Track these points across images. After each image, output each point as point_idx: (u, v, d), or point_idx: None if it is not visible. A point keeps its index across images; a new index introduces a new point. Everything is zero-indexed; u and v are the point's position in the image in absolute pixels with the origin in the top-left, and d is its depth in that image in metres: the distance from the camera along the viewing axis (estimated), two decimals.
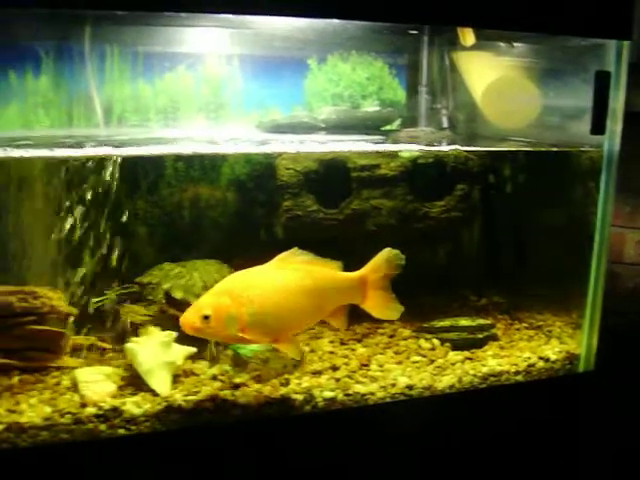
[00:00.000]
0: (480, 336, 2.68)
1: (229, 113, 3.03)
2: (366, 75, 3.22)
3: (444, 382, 2.40)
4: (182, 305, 2.34)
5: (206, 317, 2.02)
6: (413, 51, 3.22)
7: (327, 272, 2.23)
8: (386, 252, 2.27)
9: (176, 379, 2.28)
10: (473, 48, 2.74)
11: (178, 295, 2.48)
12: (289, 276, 2.16)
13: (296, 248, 2.18)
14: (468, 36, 2.71)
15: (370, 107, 3.11)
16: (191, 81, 2.95)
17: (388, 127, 3.10)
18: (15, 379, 2.30)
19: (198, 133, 2.92)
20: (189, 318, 2.03)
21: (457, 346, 2.65)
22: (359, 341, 2.69)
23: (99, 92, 2.82)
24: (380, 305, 2.29)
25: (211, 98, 3.01)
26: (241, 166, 2.87)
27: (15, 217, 2.60)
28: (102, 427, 2.07)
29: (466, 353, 2.61)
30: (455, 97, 3.21)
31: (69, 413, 2.07)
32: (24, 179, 2.60)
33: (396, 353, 2.60)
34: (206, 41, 2.91)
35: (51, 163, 2.60)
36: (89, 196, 2.60)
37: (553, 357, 2.58)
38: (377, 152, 2.73)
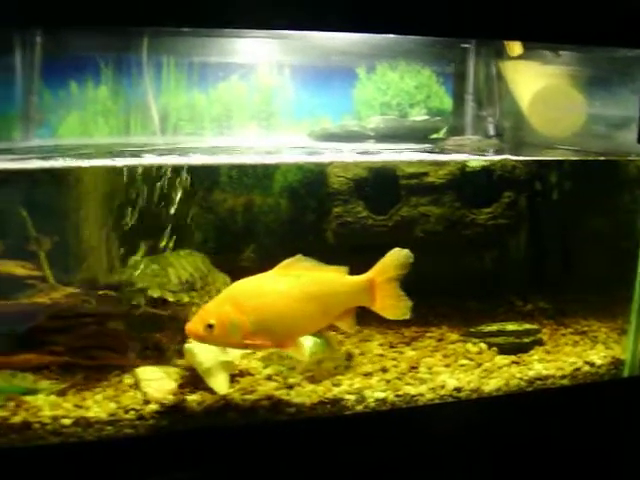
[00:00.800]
0: (526, 340, 2.73)
1: (280, 121, 3.12)
2: (414, 84, 3.28)
3: (491, 385, 2.45)
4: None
5: (210, 326, 2.07)
6: (460, 60, 3.27)
7: (332, 277, 2.26)
8: (393, 253, 2.28)
9: (233, 378, 2.36)
10: (520, 57, 2.79)
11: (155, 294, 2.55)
12: (292, 283, 2.19)
13: (300, 255, 2.21)
14: (515, 46, 2.76)
15: (418, 116, 3.17)
16: (244, 90, 3.03)
17: (435, 135, 3.16)
18: (79, 377, 2.40)
19: (251, 141, 3.00)
20: (193, 327, 2.08)
21: (504, 350, 2.70)
22: (408, 344, 2.76)
23: (156, 101, 2.91)
24: (390, 306, 2.29)
25: (263, 107, 3.08)
26: (293, 174, 2.94)
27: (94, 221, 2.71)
28: (164, 423, 2.15)
29: (513, 357, 2.66)
30: (501, 105, 3.26)
31: (133, 409, 2.16)
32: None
33: (444, 356, 2.66)
34: (258, 51, 2.99)
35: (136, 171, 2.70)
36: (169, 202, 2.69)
37: (598, 362, 2.63)
38: (435, 161, 2.79)
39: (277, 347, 2.24)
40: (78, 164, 2.38)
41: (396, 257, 2.28)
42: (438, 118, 3.15)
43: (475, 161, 2.86)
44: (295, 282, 2.20)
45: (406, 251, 2.27)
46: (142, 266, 2.62)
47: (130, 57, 2.89)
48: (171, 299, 2.53)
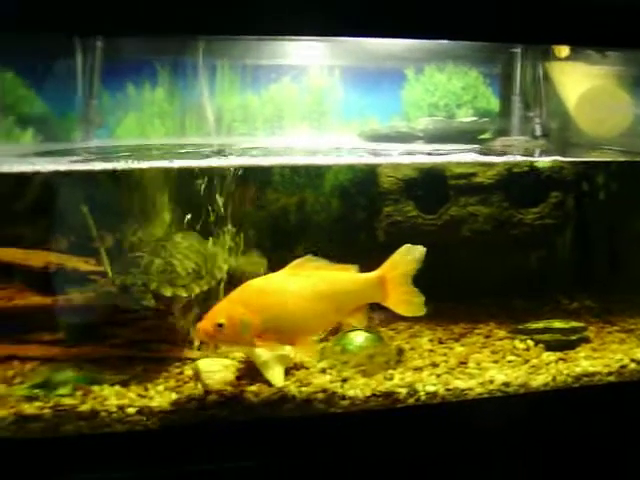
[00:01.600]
0: (573, 338, 2.78)
1: (330, 122, 3.19)
2: (461, 85, 3.33)
3: (539, 381, 2.51)
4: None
5: (220, 325, 2.13)
6: (507, 61, 3.31)
7: (342, 275, 2.29)
8: (404, 249, 2.31)
9: (288, 371, 2.44)
10: (566, 58, 2.83)
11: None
12: (302, 282, 2.23)
13: (310, 255, 2.26)
14: (562, 47, 2.81)
15: (466, 117, 3.22)
16: (295, 91, 3.11)
17: (483, 136, 3.21)
18: (139, 368, 2.50)
19: (302, 141, 3.09)
20: (204, 326, 2.14)
21: (551, 347, 2.75)
22: (456, 340, 2.83)
23: (210, 103, 3.00)
24: (403, 301, 2.32)
25: (314, 107, 3.16)
26: (344, 173, 3.02)
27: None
28: (224, 413, 2.24)
29: (559, 354, 2.71)
30: (548, 106, 3.30)
31: (194, 399, 2.26)
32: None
33: (492, 352, 2.72)
34: (309, 54, 3.07)
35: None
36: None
37: None
38: (484, 162, 2.85)
39: (288, 345, 2.31)
40: (157, 165, 2.49)
41: (407, 253, 2.30)
42: (485, 119, 3.19)
43: (523, 162, 2.91)
44: (305, 281, 2.24)
45: (418, 247, 2.30)
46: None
47: (186, 60, 2.97)
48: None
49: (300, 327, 2.24)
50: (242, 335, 2.15)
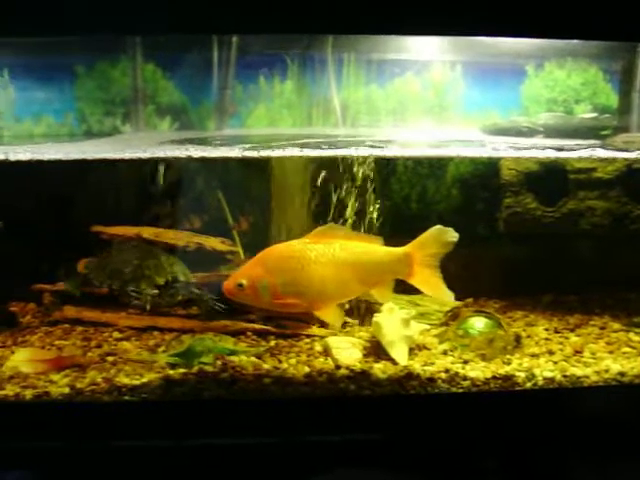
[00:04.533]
0: None
1: (451, 115, 3.30)
2: (580, 81, 3.37)
3: None
4: None
5: (240, 285, 2.25)
6: (628, 58, 3.34)
7: (365, 246, 2.32)
8: (436, 229, 2.32)
9: (411, 351, 2.59)
10: None
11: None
12: (322, 249, 2.28)
13: (333, 223, 2.39)
14: None
15: (586, 114, 3.28)
16: (418, 86, 3.23)
17: (603, 132, 3.26)
18: (272, 343, 2.69)
19: (424, 134, 3.21)
20: (227, 285, 2.27)
21: None
22: (572, 330, 2.91)
23: (337, 95, 3.16)
24: (428, 283, 2.32)
25: (436, 101, 3.27)
26: (465, 165, 3.14)
27: None
28: (352, 387, 2.40)
29: None
30: None
31: (325, 373, 2.42)
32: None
33: (607, 344, 2.79)
34: (431, 48, 3.18)
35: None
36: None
37: None
38: (626, 158, 2.91)
39: (308, 309, 2.39)
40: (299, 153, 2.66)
41: (438, 234, 2.32)
42: (606, 115, 3.24)
43: None
44: (325, 249, 2.29)
45: (450, 230, 2.31)
46: None
47: (314, 54, 3.12)
48: None
49: (320, 293, 2.30)
50: (261, 296, 2.26)
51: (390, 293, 2.38)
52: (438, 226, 2.30)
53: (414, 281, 2.31)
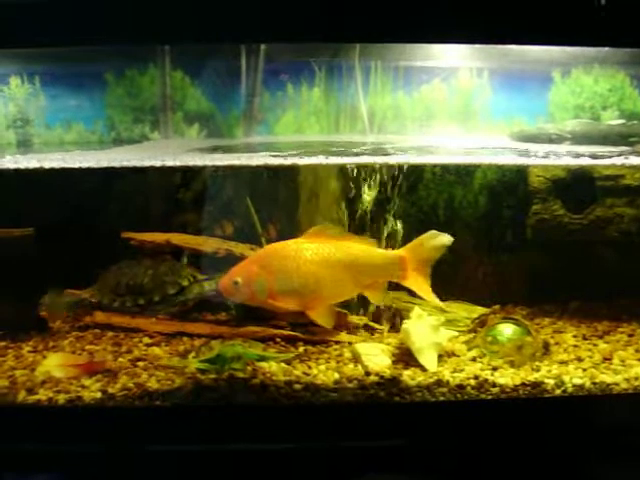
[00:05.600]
0: None
1: (478, 122, 3.31)
2: (608, 87, 3.38)
3: None
4: None
5: (236, 283, 2.27)
6: None
7: (360, 247, 2.35)
8: (430, 234, 2.35)
9: (440, 358, 2.60)
10: None
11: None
12: (318, 249, 2.32)
13: (327, 223, 2.39)
14: None
15: (614, 120, 3.27)
16: (444, 93, 3.24)
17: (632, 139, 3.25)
18: (301, 349, 2.71)
19: (452, 141, 3.22)
20: (223, 283, 2.30)
21: None
22: (600, 337, 2.91)
23: (364, 102, 3.18)
24: (420, 286, 2.38)
25: (462, 108, 3.29)
26: (493, 172, 3.14)
27: None
28: (381, 393, 2.42)
29: None
30: None
31: (356, 379, 2.44)
32: None
33: (636, 351, 2.78)
34: (458, 55, 3.20)
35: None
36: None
37: None
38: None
39: (302, 309, 2.40)
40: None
41: (433, 239, 2.36)
42: (634, 122, 3.23)
43: None
44: (320, 249, 2.32)
45: (444, 235, 2.35)
46: None
47: (341, 62, 3.15)
48: None
49: (314, 293, 2.33)
50: (257, 294, 2.30)
51: (383, 294, 2.44)
52: (433, 231, 2.36)
53: (407, 283, 2.38)
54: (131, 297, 2.63)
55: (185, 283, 2.64)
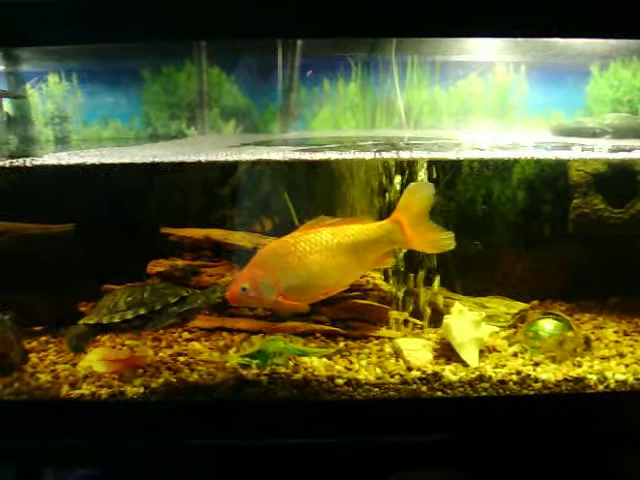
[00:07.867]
0: None
1: (515, 116, 3.29)
2: None
3: None
4: None
5: (244, 289, 2.23)
6: None
7: (355, 227, 2.31)
8: (412, 187, 2.31)
9: (481, 353, 2.59)
10: None
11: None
12: (315, 239, 2.28)
13: (322, 215, 2.31)
14: None
15: None
16: (481, 87, 3.22)
17: None
18: (341, 344, 2.71)
19: (489, 135, 3.20)
20: (231, 293, 2.25)
21: None
22: None
23: (400, 97, 3.17)
24: (427, 240, 2.32)
25: (499, 103, 3.27)
26: (531, 167, 3.13)
27: None
28: (423, 389, 2.42)
29: None
30: None
31: (398, 374, 2.44)
32: None
33: None
34: (495, 50, 3.18)
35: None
36: None
37: None
38: None
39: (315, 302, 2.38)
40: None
41: (416, 191, 2.31)
42: None
43: None
44: (319, 238, 2.29)
45: (425, 182, 2.41)
46: None
47: (377, 57, 3.14)
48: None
49: (322, 281, 2.30)
50: (266, 296, 2.25)
51: (392, 258, 2.41)
52: (413, 183, 2.37)
53: (414, 244, 2.33)
54: (131, 310, 2.63)
55: (184, 293, 2.63)
